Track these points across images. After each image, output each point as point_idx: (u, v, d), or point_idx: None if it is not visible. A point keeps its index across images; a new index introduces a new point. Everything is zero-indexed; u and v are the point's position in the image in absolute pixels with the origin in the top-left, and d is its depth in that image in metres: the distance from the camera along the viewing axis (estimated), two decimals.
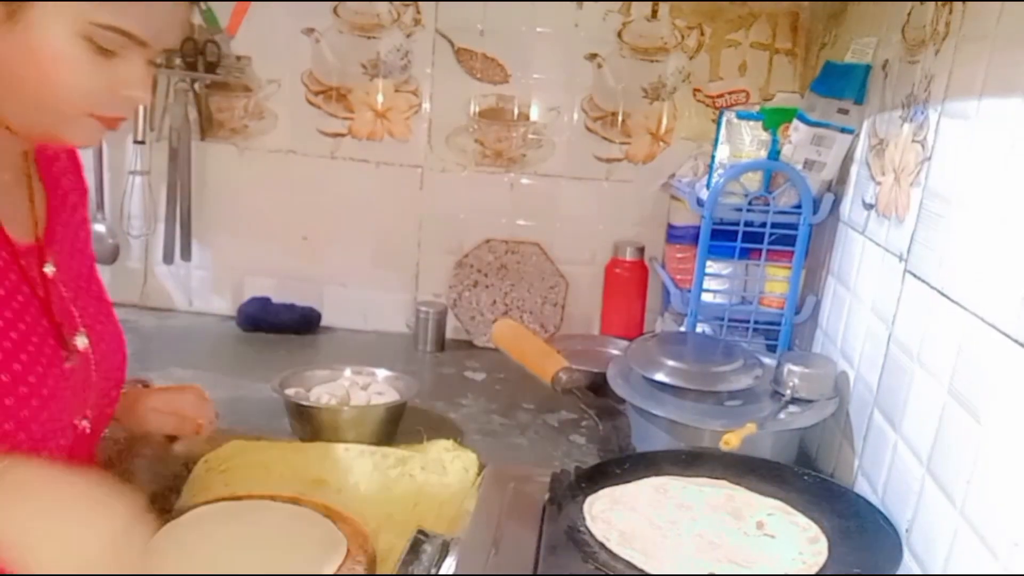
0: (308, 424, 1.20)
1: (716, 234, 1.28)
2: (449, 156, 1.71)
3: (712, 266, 1.33)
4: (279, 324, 1.71)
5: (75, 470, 0.66)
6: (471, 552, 0.85)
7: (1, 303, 0.73)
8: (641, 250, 1.65)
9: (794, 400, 1.08)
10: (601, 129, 1.68)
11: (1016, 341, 0.69)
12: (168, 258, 1.72)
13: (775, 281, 1.34)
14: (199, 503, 0.98)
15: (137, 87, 0.71)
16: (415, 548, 0.89)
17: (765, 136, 1.27)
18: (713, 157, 1.31)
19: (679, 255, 1.47)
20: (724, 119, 1.30)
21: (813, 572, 0.78)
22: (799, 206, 1.26)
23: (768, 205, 1.27)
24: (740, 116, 1.29)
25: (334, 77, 1.69)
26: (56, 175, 0.86)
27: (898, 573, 0.79)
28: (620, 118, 1.67)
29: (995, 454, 0.71)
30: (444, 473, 1.11)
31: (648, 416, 1.08)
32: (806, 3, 1.59)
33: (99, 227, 1.68)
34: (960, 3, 0.91)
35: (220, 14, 1.65)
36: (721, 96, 1.63)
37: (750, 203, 1.27)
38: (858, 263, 1.15)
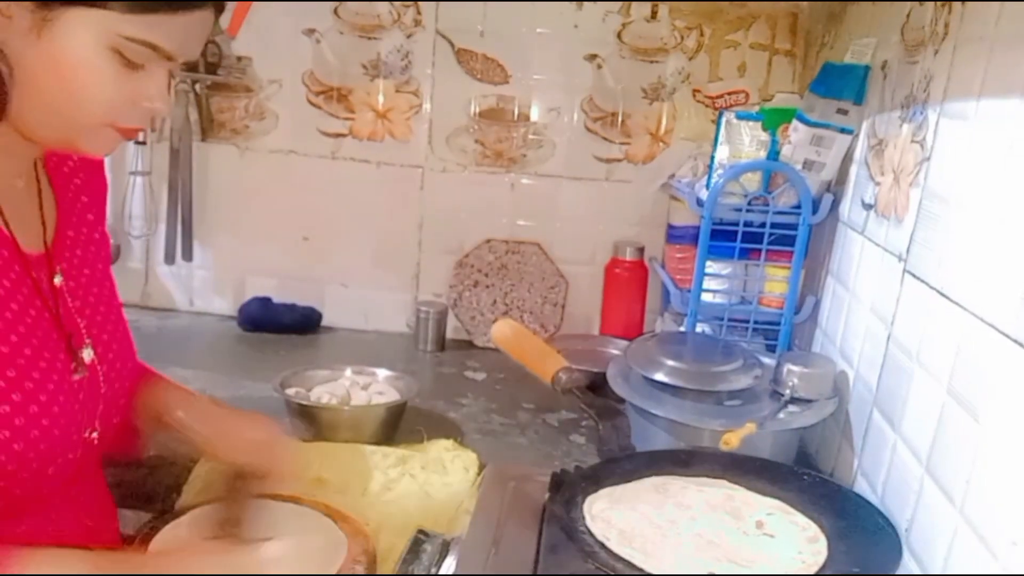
0: (309, 424, 1.20)
1: (716, 234, 1.28)
2: (449, 156, 1.71)
3: (712, 266, 1.33)
4: (280, 324, 1.71)
5: None
6: (471, 552, 0.86)
7: (14, 317, 0.72)
8: (641, 250, 1.65)
9: (793, 400, 1.08)
10: (601, 129, 1.68)
11: (1015, 341, 0.69)
12: (169, 258, 1.73)
13: (774, 281, 1.34)
14: (199, 503, 0.98)
15: (159, 99, 0.72)
16: (415, 548, 0.89)
17: (764, 136, 1.27)
18: (713, 157, 1.31)
19: (679, 255, 1.47)
20: (724, 119, 1.30)
21: (812, 572, 0.78)
22: (798, 206, 1.26)
23: (767, 205, 1.27)
24: (739, 116, 1.29)
25: (335, 77, 1.69)
26: (64, 178, 0.85)
27: (897, 573, 0.80)
28: (620, 118, 1.67)
29: (994, 454, 0.72)
30: (444, 473, 1.12)
31: (648, 416, 1.08)
32: (805, 4, 1.59)
33: None
34: (959, 3, 0.91)
35: (221, 15, 1.65)
36: (720, 96, 1.63)
37: (749, 203, 1.28)
38: (857, 263, 1.15)
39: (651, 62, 1.64)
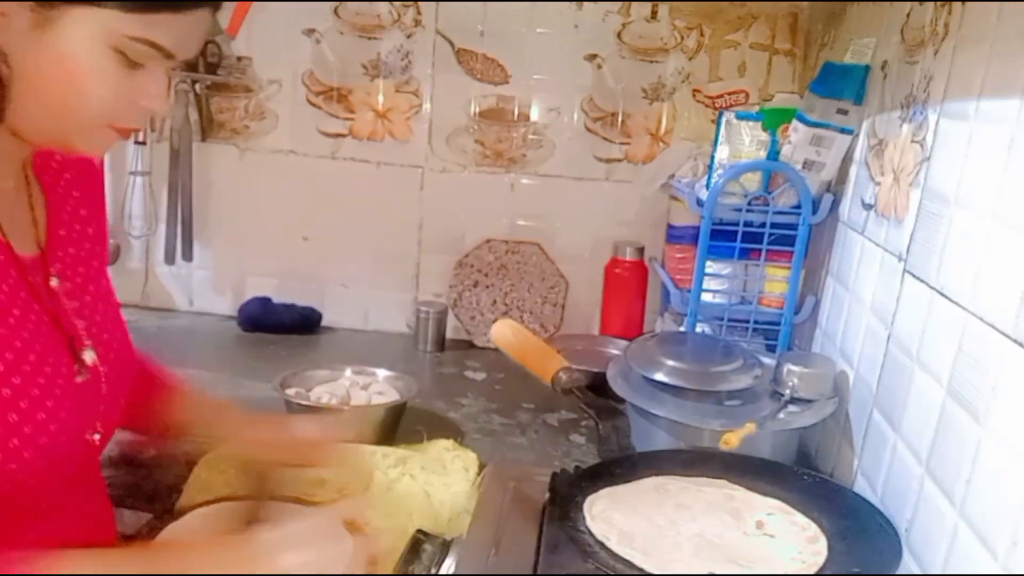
0: None
1: (716, 234, 1.28)
2: (449, 156, 1.71)
3: (712, 266, 1.33)
4: (280, 324, 1.71)
5: None
6: (471, 552, 0.86)
7: (17, 323, 0.71)
8: (641, 250, 1.65)
9: (793, 400, 1.08)
10: (601, 129, 1.68)
11: (1015, 341, 0.69)
12: (169, 258, 1.73)
13: (774, 281, 1.34)
14: (200, 503, 0.98)
15: (157, 99, 0.71)
16: (415, 548, 0.89)
17: (764, 136, 1.27)
18: (713, 157, 1.31)
19: (679, 255, 1.47)
20: (724, 119, 1.30)
21: (812, 572, 0.78)
22: (798, 206, 1.26)
23: (767, 205, 1.27)
24: (739, 116, 1.29)
25: (335, 77, 1.69)
26: (53, 175, 0.84)
27: (897, 573, 0.80)
28: (620, 118, 1.67)
29: (994, 454, 0.72)
30: (444, 473, 1.11)
31: (648, 416, 1.08)
32: (805, 4, 1.59)
33: None
34: (959, 3, 0.91)
35: (221, 15, 1.65)
36: (720, 96, 1.63)
37: (749, 203, 1.28)
38: (857, 263, 1.15)
39: (651, 62, 1.64)
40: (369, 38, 1.66)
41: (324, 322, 1.77)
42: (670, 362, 1.12)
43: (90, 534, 0.84)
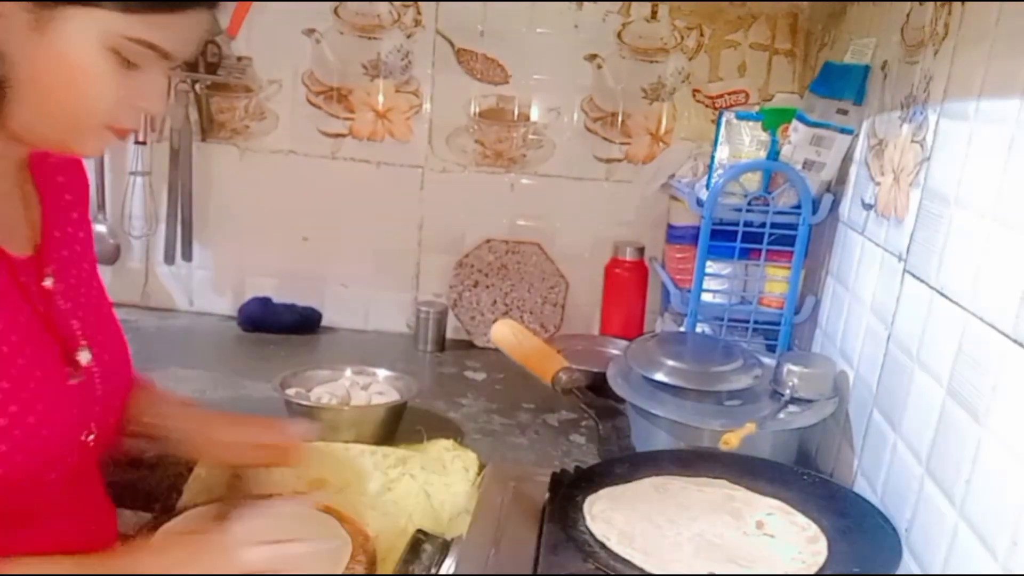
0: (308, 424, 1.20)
1: (716, 234, 1.28)
2: (449, 156, 1.71)
3: (712, 266, 1.33)
4: (280, 324, 1.71)
5: None
6: (471, 552, 0.86)
7: (6, 326, 0.71)
8: (641, 250, 1.65)
9: (793, 400, 1.08)
10: (601, 129, 1.68)
11: (1015, 341, 0.69)
12: (169, 258, 1.73)
13: (774, 281, 1.34)
14: (200, 503, 0.98)
15: (155, 100, 0.72)
16: (415, 548, 0.89)
17: (764, 136, 1.27)
18: (713, 157, 1.31)
19: (679, 255, 1.47)
20: (724, 119, 1.30)
21: (812, 572, 0.78)
22: (798, 206, 1.26)
23: (767, 205, 1.27)
24: (740, 116, 1.29)
25: (335, 77, 1.69)
26: (47, 176, 0.84)
27: (897, 573, 0.80)
28: (620, 118, 1.67)
29: (994, 454, 0.72)
30: (444, 473, 1.12)
31: (648, 416, 1.08)
32: (805, 4, 1.59)
33: (100, 228, 1.69)
34: (959, 3, 0.91)
35: (221, 15, 1.65)
36: (721, 96, 1.63)
37: (749, 203, 1.28)
38: (857, 263, 1.15)
39: (651, 62, 1.64)
40: (369, 38, 1.66)
41: (324, 322, 1.77)
42: (670, 362, 1.12)
43: (90, 535, 0.84)
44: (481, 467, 1.13)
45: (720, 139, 1.30)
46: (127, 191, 1.69)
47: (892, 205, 1.03)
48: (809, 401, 1.09)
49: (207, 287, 1.80)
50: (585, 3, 1.63)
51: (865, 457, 1.03)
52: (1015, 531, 0.66)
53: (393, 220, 1.74)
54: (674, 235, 1.50)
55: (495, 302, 1.74)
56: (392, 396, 1.26)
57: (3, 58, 0.66)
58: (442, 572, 0.85)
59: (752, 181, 1.28)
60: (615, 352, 1.48)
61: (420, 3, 1.64)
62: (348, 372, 1.32)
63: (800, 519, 0.87)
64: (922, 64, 0.99)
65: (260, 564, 0.73)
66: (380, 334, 1.77)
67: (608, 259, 1.67)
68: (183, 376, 1.43)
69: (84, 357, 0.79)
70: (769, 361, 1.18)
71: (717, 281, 1.35)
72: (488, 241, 1.73)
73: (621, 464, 0.96)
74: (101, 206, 1.69)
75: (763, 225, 1.28)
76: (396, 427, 1.25)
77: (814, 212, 1.25)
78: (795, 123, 1.26)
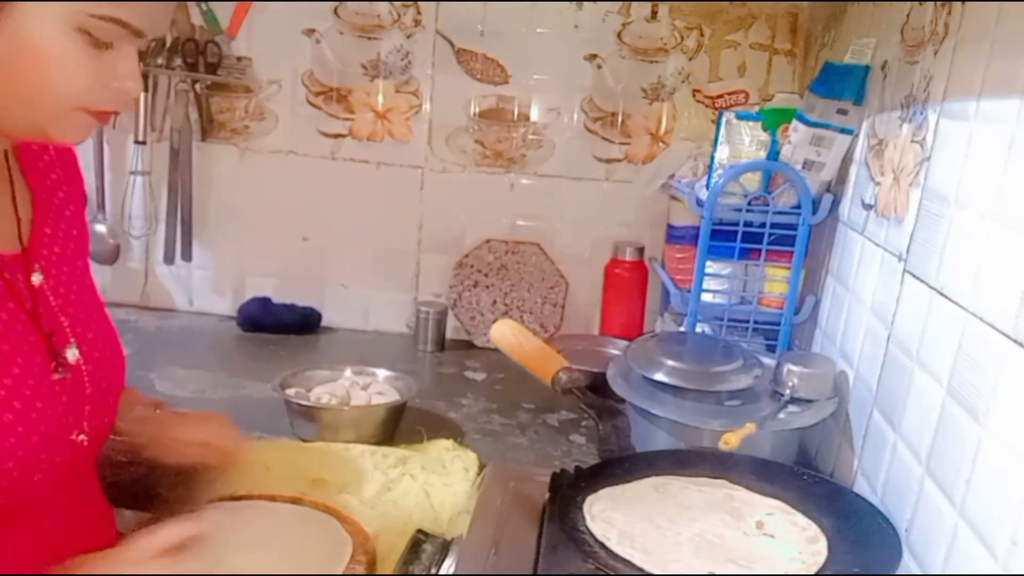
0: (308, 424, 1.20)
1: (716, 234, 1.28)
2: (449, 156, 1.71)
3: (712, 266, 1.33)
4: (279, 324, 1.71)
5: None
6: (471, 552, 0.86)
7: None
8: (641, 250, 1.65)
9: (793, 400, 1.08)
10: (601, 129, 1.68)
11: (1015, 341, 0.69)
12: (169, 258, 1.73)
13: (774, 281, 1.34)
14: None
15: (129, 78, 0.70)
16: (415, 548, 0.89)
17: (764, 136, 1.27)
18: (713, 157, 1.31)
19: (679, 255, 1.47)
20: (724, 120, 1.30)
21: (812, 572, 0.78)
22: (798, 206, 1.26)
23: (767, 205, 1.27)
24: (739, 116, 1.29)
25: (335, 78, 1.69)
26: (40, 173, 0.83)
27: (897, 573, 0.80)
28: (620, 118, 1.67)
29: (994, 454, 0.72)
30: (444, 473, 1.12)
31: (648, 416, 1.08)
32: (805, 4, 1.59)
33: (100, 227, 1.69)
34: (959, 3, 0.91)
35: (221, 15, 1.65)
36: (720, 96, 1.63)
37: (749, 203, 1.28)
38: (857, 263, 1.15)
39: (651, 62, 1.64)
40: (369, 38, 1.66)
41: (324, 322, 1.77)
42: (670, 362, 1.12)
43: (87, 535, 0.83)
44: (481, 467, 1.13)
45: (720, 139, 1.30)
46: (127, 191, 1.69)
47: (892, 205, 1.03)
48: (809, 401, 1.09)
49: (207, 287, 1.80)
50: (585, 3, 1.63)
51: (865, 457, 1.03)
52: (1015, 531, 0.66)
53: (393, 220, 1.74)
54: (674, 235, 1.50)
55: (495, 302, 1.74)
56: (392, 396, 1.26)
57: None
58: (442, 572, 0.85)
59: (752, 181, 1.28)
60: (615, 352, 1.48)
61: (420, 3, 1.64)
62: (348, 372, 1.32)
63: (800, 519, 0.87)
64: (922, 64, 0.99)
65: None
66: (380, 334, 1.77)
67: (608, 259, 1.67)
68: (183, 376, 1.43)
69: (72, 354, 0.78)
70: (769, 361, 1.18)
71: (717, 281, 1.35)
72: (488, 241, 1.73)
73: (621, 464, 0.96)
74: (101, 206, 1.69)
75: (763, 225, 1.28)
76: (396, 427, 1.25)
77: (814, 212, 1.25)
78: (795, 123, 1.26)
